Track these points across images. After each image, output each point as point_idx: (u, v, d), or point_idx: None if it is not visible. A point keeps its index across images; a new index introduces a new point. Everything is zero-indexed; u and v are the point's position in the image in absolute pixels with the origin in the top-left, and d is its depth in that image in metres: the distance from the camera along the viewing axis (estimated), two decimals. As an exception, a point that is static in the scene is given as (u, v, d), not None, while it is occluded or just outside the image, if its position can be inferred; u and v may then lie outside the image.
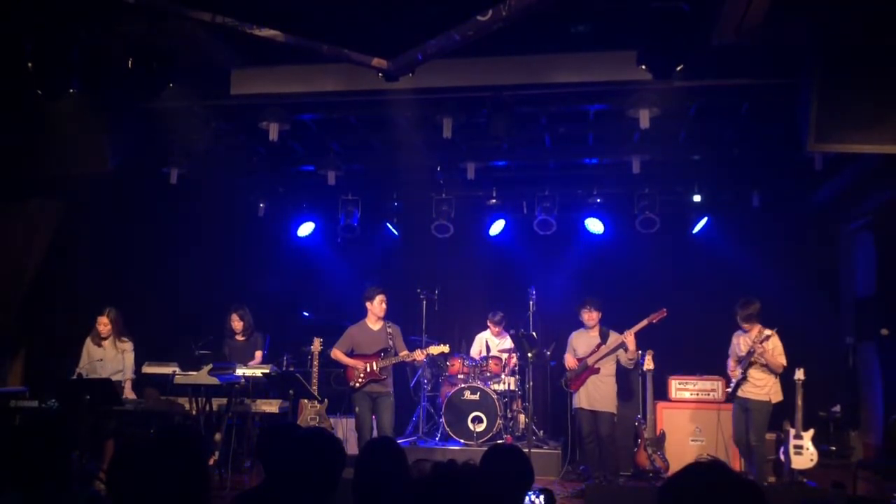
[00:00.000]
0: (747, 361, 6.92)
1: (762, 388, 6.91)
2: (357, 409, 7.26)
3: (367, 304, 7.38)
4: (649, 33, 5.16)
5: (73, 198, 7.75)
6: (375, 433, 7.24)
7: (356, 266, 10.20)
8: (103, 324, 7.37)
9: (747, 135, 7.75)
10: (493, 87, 6.52)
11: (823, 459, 7.55)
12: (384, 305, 7.36)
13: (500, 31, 4.89)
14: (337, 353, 7.36)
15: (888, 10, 4.97)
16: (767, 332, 6.91)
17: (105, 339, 7.40)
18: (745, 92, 6.66)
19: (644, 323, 7.30)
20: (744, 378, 6.96)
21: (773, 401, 6.93)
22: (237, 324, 8.22)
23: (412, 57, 5.29)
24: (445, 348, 7.60)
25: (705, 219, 9.18)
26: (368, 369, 7.20)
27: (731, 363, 7.16)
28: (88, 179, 7.26)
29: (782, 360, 6.90)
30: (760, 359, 6.87)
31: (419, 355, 7.33)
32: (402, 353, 7.27)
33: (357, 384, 7.24)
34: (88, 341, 7.41)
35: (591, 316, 7.45)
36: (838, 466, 7.85)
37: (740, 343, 7.08)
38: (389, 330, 7.34)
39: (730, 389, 7.20)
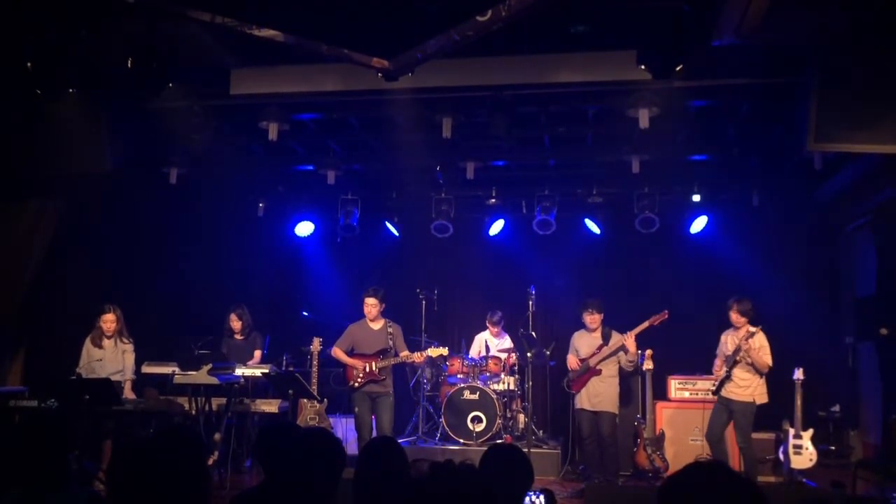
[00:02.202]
0: (733, 360, 6.86)
1: (746, 388, 6.83)
2: (356, 409, 7.27)
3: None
4: (649, 33, 5.15)
5: (73, 198, 7.75)
6: (375, 433, 7.25)
7: (356, 266, 10.21)
8: (109, 321, 7.37)
9: (747, 135, 7.75)
10: (493, 87, 6.52)
11: (823, 459, 7.56)
12: (370, 308, 7.36)
13: (499, 31, 4.89)
14: (337, 352, 7.39)
15: (888, 11, 4.97)
16: (752, 329, 6.85)
17: (109, 337, 7.40)
18: (745, 92, 6.66)
19: (645, 325, 7.29)
20: (728, 377, 6.90)
21: (758, 402, 6.84)
22: (236, 323, 8.23)
23: (412, 57, 5.29)
24: (444, 351, 7.64)
25: (705, 218, 9.15)
26: (367, 370, 7.21)
27: (717, 362, 7.09)
28: (88, 179, 7.26)
29: (768, 359, 6.80)
30: (746, 357, 6.80)
31: (417, 358, 7.37)
32: (402, 354, 7.29)
33: (356, 384, 7.26)
34: (88, 342, 7.41)
35: (592, 318, 7.44)
36: (838, 466, 7.86)
37: (728, 341, 7.02)
38: (390, 330, 7.35)
39: (714, 388, 7.15)
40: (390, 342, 7.31)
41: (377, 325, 7.41)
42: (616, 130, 7.62)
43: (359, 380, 7.24)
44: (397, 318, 7.73)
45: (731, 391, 6.89)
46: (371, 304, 7.35)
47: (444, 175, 8.98)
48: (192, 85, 6.45)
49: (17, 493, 2.74)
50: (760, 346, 6.82)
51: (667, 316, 7.29)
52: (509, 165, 8.96)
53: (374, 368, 7.21)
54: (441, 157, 8.47)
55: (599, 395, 7.30)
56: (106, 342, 7.40)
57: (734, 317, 6.97)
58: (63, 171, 7.13)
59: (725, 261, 9.13)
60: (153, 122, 7.07)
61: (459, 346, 9.33)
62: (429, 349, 7.50)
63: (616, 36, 5.85)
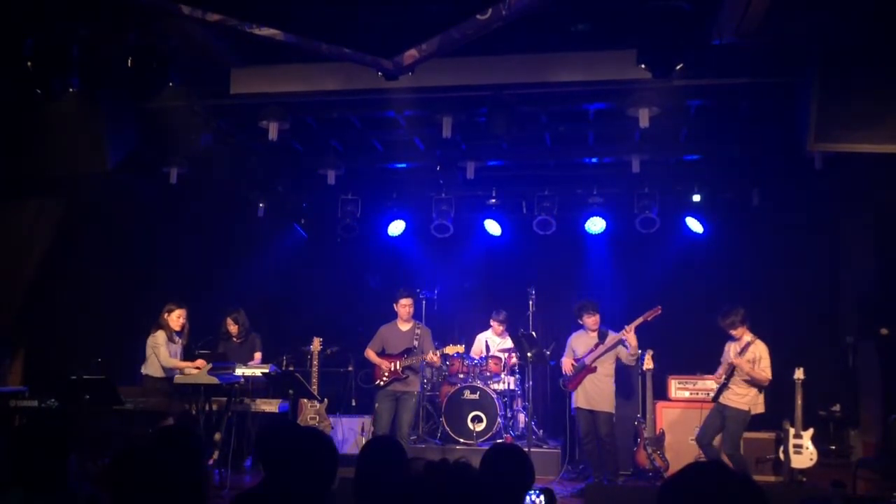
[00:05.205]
0: (731, 369, 6.81)
1: (743, 396, 6.79)
2: (377, 405, 7.52)
3: (395, 307, 7.66)
4: (649, 32, 5.16)
5: (72, 197, 7.74)
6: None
7: (355, 265, 10.21)
8: (183, 317, 7.50)
9: (747, 135, 7.74)
10: (493, 87, 6.52)
11: (823, 458, 7.55)
12: (407, 309, 7.64)
13: (500, 30, 4.89)
14: (368, 353, 7.69)
15: (888, 11, 4.97)
16: (749, 338, 6.78)
17: (179, 334, 7.51)
18: (745, 92, 6.65)
19: (640, 320, 7.29)
20: (725, 385, 6.86)
21: (753, 412, 6.81)
22: (232, 327, 8.20)
23: (412, 56, 5.28)
24: (461, 348, 7.92)
25: (699, 224, 9.11)
26: (392, 368, 7.45)
27: (720, 370, 7.05)
28: (88, 179, 7.26)
29: (766, 373, 6.71)
30: (741, 374, 6.76)
31: (434, 356, 7.58)
32: (426, 354, 7.51)
33: (381, 382, 7.49)
34: (167, 341, 7.39)
35: (594, 319, 7.46)
36: (838, 465, 7.84)
37: (730, 350, 6.97)
38: (418, 331, 7.62)
39: (713, 393, 7.14)
40: (415, 342, 7.52)
41: (406, 327, 7.66)
42: (616, 130, 7.62)
43: (384, 378, 7.47)
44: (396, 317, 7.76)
45: (728, 398, 6.87)
46: (409, 305, 7.63)
47: (444, 175, 8.98)
48: (192, 85, 6.44)
49: (18, 492, 2.74)
50: (760, 358, 6.74)
51: (660, 311, 7.29)
52: (509, 165, 8.96)
53: (397, 367, 7.44)
54: (441, 156, 8.47)
55: (595, 394, 7.31)
56: (178, 339, 7.49)
57: (728, 331, 6.94)
58: (63, 170, 7.13)
59: (725, 260, 9.13)
60: (153, 122, 7.07)
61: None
62: (446, 347, 7.72)
63: (616, 35, 5.85)
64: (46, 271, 7.90)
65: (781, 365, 7.00)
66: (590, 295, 7.79)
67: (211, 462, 6.96)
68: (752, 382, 6.76)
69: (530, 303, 8.64)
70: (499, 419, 8.17)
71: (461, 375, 8.63)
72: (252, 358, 8.16)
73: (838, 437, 8.31)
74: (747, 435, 7.28)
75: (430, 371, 8.93)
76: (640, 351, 7.39)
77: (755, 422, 7.04)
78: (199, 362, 7.28)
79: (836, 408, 8.34)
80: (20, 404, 6.62)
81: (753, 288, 8.61)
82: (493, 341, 8.88)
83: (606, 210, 9.34)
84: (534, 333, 8.06)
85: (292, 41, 5.23)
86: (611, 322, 7.58)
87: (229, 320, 8.21)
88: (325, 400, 8.14)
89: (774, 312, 8.12)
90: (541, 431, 8.73)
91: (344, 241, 9.73)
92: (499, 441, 7.86)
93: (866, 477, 7.04)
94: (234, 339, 8.23)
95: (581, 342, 7.54)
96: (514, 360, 8.64)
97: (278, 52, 5.90)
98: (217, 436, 7.17)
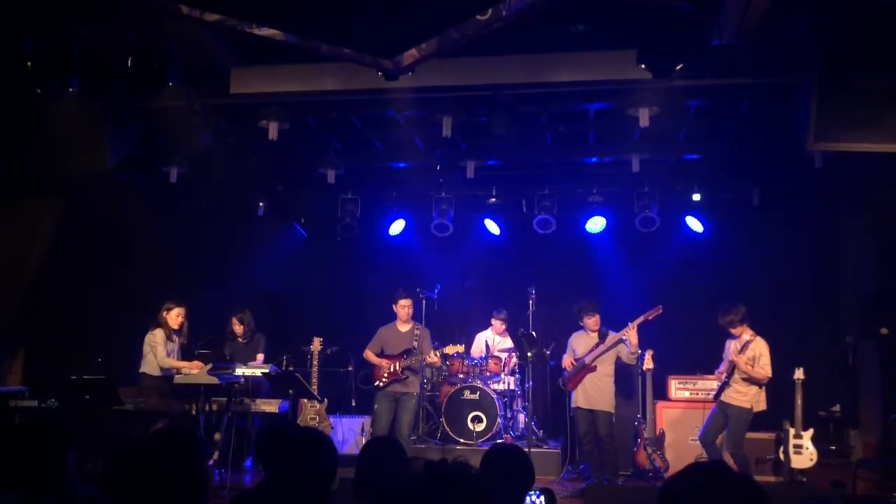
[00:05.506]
0: (732, 367, 6.81)
1: (745, 394, 6.79)
2: (376, 406, 7.50)
3: (394, 307, 7.64)
4: (649, 32, 5.16)
5: (72, 197, 7.75)
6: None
7: (355, 265, 10.21)
8: (182, 315, 7.49)
9: (747, 135, 7.75)
10: (494, 87, 6.53)
11: (823, 458, 7.55)
12: (406, 310, 7.61)
13: (500, 30, 4.90)
14: (367, 353, 7.67)
15: (887, 10, 4.97)
16: (748, 336, 6.78)
17: (177, 333, 7.50)
18: (745, 91, 6.66)
19: (641, 318, 7.28)
20: (726, 383, 6.86)
21: (756, 409, 6.81)
22: (238, 327, 8.22)
23: (412, 56, 5.28)
24: (460, 348, 7.87)
25: (699, 223, 9.12)
26: (392, 369, 7.43)
27: (721, 367, 7.05)
28: (88, 178, 7.26)
29: (766, 371, 6.71)
30: (740, 372, 6.76)
31: (434, 356, 7.57)
32: (424, 355, 7.51)
33: (381, 383, 7.46)
34: (164, 340, 7.40)
35: (594, 320, 7.46)
36: (838, 465, 7.85)
37: (730, 348, 6.99)
38: (417, 332, 7.60)
39: (715, 391, 7.14)
40: (415, 343, 7.51)
41: (405, 328, 7.64)
42: (616, 129, 7.62)
43: (383, 379, 7.45)
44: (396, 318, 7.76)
45: (730, 396, 6.86)
46: (408, 305, 7.61)
47: (444, 174, 8.98)
48: (192, 84, 6.44)
49: (17, 493, 2.74)
50: (760, 355, 6.74)
51: (661, 311, 7.28)
52: (510, 164, 8.96)
53: (397, 368, 7.43)
54: (441, 156, 8.47)
55: (595, 393, 7.30)
56: (176, 338, 7.50)
57: (727, 330, 6.94)
58: (63, 170, 7.13)
59: (725, 260, 9.13)
60: (153, 122, 7.08)
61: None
62: (446, 347, 7.70)
63: (616, 35, 5.85)
64: (46, 271, 7.90)
65: (781, 365, 7.00)
66: (590, 294, 7.79)
67: (211, 462, 6.96)
68: (752, 380, 6.76)
69: (530, 302, 8.63)
70: (499, 419, 8.17)
71: (461, 375, 8.63)
72: (254, 358, 8.17)
73: (838, 437, 8.32)
74: (747, 435, 7.27)
75: (430, 371, 8.92)
76: (640, 350, 7.38)
77: (756, 422, 7.04)
78: (196, 363, 7.28)
79: (836, 408, 8.35)
80: (20, 404, 6.62)
81: (753, 287, 8.61)
82: (493, 340, 8.88)
83: (606, 209, 9.35)
84: (534, 333, 8.06)
85: (292, 41, 5.23)
86: (611, 321, 7.56)
87: (235, 320, 8.23)
88: (325, 400, 8.14)
89: (774, 312, 8.11)
90: (541, 431, 8.72)
91: (344, 241, 9.73)
92: (499, 441, 7.86)
93: (866, 477, 7.04)
94: (240, 340, 8.24)
95: (581, 342, 7.54)
96: (515, 360, 8.64)
97: (278, 52, 5.89)
98: (217, 436, 7.17)
